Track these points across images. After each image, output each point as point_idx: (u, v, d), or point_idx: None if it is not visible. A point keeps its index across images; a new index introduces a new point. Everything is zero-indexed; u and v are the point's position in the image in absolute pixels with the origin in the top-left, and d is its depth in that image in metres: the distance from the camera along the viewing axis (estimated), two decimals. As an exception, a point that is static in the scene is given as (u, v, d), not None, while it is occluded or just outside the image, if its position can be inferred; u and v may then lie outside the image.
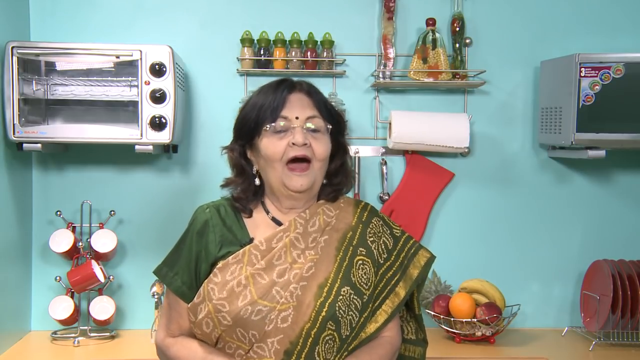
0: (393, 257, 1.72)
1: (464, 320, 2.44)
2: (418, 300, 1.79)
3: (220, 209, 1.69)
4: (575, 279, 2.70)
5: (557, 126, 2.45)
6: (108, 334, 2.51)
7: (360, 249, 1.66)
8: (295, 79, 1.71)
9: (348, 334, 1.59)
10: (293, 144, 1.60)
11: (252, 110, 1.66)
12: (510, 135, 2.68)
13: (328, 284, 1.58)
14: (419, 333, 1.82)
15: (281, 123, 1.62)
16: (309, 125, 1.63)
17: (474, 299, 2.49)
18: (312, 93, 1.68)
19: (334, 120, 1.70)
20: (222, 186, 1.73)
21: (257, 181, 1.69)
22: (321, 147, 1.64)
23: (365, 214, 1.72)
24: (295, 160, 1.62)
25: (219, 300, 1.56)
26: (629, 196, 2.71)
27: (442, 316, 2.48)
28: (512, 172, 2.69)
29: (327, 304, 1.55)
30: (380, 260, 1.69)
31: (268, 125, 1.62)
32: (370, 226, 1.70)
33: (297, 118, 1.62)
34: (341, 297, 1.58)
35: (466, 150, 2.60)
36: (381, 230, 1.72)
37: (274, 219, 1.69)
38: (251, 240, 1.65)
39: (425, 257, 1.75)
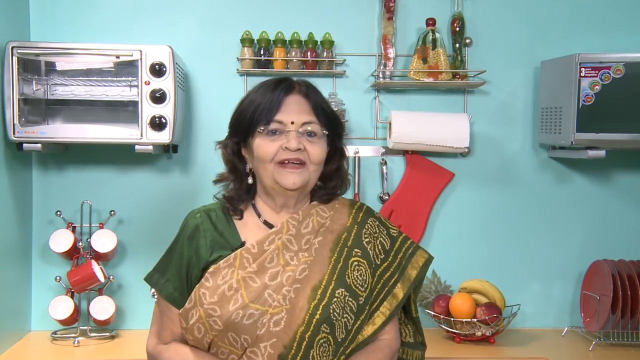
0: (390, 257, 1.70)
1: (464, 320, 2.44)
2: (415, 302, 1.77)
3: (211, 214, 1.66)
4: (575, 279, 2.70)
5: (557, 126, 2.45)
6: (108, 334, 2.51)
7: (356, 250, 1.63)
8: (295, 78, 1.67)
9: (343, 337, 1.57)
10: (286, 147, 1.57)
11: (247, 109, 1.62)
12: (510, 135, 2.68)
13: (322, 286, 1.56)
14: (417, 336, 1.79)
15: (275, 126, 1.59)
16: (305, 129, 1.60)
17: (474, 299, 2.49)
18: (311, 95, 1.64)
19: (332, 125, 1.65)
20: (215, 181, 1.71)
21: (249, 180, 1.66)
22: (316, 151, 1.60)
23: (360, 215, 1.70)
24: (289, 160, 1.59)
25: (210, 305, 1.54)
26: (629, 196, 2.71)
27: (442, 316, 2.48)
28: (512, 172, 2.69)
29: (320, 306, 1.53)
30: (377, 261, 1.67)
31: (262, 127, 1.59)
32: (366, 227, 1.68)
33: (292, 123, 1.59)
34: (335, 299, 1.55)
35: (466, 150, 2.60)
36: (377, 231, 1.70)
37: (265, 222, 1.66)
38: (243, 244, 1.62)
39: (424, 258, 1.73)
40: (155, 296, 2.40)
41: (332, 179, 1.70)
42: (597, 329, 2.49)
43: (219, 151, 1.71)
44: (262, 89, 1.64)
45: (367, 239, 1.67)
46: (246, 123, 1.62)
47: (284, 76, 1.68)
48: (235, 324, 1.52)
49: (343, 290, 1.57)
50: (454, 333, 2.47)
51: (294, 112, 1.60)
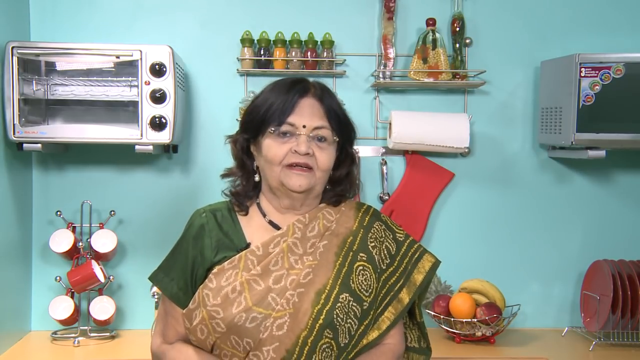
0: (396, 262, 1.68)
1: (464, 320, 2.44)
2: (420, 307, 1.75)
3: (217, 214, 1.66)
4: (575, 279, 2.70)
5: (557, 126, 2.45)
6: (108, 334, 2.51)
7: (361, 254, 1.62)
8: (311, 79, 1.67)
9: (347, 342, 1.55)
10: (295, 151, 1.57)
11: (261, 106, 1.62)
12: (510, 135, 2.68)
13: (326, 291, 1.54)
14: (422, 341, 1.77)
15: (286, 128, 1.59)
16: (316, 133, 1.60)
17: (474, 299, 2.49)
18: (325, 99, 1.63)
19: (343, 131, 1.65)
20: (223, 175, 1.71)
21: (256, 177, 1.67)
22: (325, 158, 1.60)
23: (367, 218, 1.68)
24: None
25: (213, 306, 1.53)
26: (629, 196, 2.71)
27: (442, 316, 2.48)
28: (512, 172, 2.69)
29: (324, 311, 1.52)
30: (382, 265, 1.65)
31: (273, 128, 1.59)
32: (372, 231, 1.67)
33: (304, 127, 1.58)
34: (339, 304, 1.54)
35: (466, 150, 2.60)
36: (383, 235, 1.68)
37: (271, 223, 1.66)
38: (248, 245, 1.61)
39: (430, 262, 1.70)
40: (156, 296, 2.42)
41: (340, 184, 1.69)
42: (597, 329, 2.49)
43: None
44: (277, 89, 1.63)
45: (373, 244, 1.65)
46: (258, 121, 1.61)
47: (300, 77, 1.67)
48: (238, 327, 1.51)
49: (347, 295, 1.56)
50: (454, 333, 2.47)
51: (306, 116, 1.59)
